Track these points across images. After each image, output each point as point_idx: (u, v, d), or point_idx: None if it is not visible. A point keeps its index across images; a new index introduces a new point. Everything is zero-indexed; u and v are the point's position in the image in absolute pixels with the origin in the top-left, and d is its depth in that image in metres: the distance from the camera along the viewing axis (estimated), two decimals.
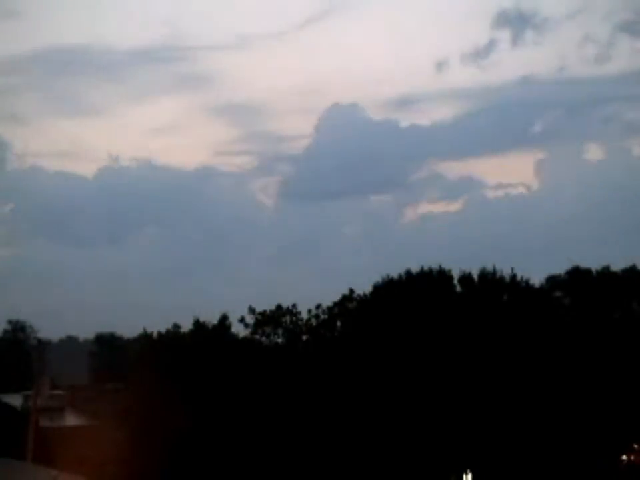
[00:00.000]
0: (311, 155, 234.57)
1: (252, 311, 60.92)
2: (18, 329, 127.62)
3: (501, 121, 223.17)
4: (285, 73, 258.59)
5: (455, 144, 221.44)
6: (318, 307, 61.67)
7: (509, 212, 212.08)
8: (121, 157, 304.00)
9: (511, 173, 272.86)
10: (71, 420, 76.56)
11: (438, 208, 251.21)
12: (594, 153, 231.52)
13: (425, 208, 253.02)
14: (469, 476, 59.22)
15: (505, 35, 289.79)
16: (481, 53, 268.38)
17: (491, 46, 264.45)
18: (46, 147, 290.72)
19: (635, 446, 66.81)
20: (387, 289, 67.57)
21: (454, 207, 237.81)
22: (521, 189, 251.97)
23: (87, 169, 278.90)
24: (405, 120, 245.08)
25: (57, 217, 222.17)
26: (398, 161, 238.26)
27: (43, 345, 61.47)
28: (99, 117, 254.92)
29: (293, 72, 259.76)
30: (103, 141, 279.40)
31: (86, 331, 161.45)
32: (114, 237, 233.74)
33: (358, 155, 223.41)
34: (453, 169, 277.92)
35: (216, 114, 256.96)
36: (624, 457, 66.05)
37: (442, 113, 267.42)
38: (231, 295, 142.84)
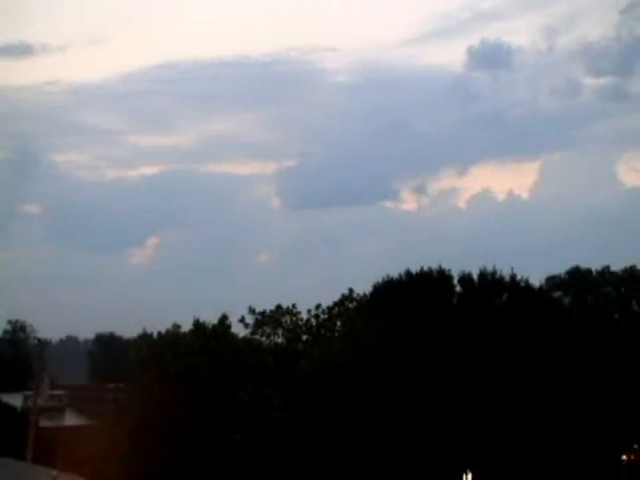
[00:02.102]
0: (315, 165, 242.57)
1: (252, 311, 60.80)
2: (18, 328, 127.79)
3: (497, 133, 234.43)
4: None
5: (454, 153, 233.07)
6: (318, 306, 61.57)
7: (509, 214, 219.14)
8: (166, 166, 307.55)
9: (509, 179, 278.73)
10: (71, 420, 76.75)
11: (437, 211, 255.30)
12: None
13: (425, 210, 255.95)
14: (469, 476, 59.23)
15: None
16: None
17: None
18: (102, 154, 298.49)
19: (635, 446, 66.85)
20: (386, 289, 67.57)
21: (453, 210, 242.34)
22: (518, 194, 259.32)
23: (131, 177, 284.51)
24: (405, 133, 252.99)
25: (74, 222, 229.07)
26: (396, 170, 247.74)
27: (43, 344, 61.24)
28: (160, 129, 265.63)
29: None
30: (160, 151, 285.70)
31: (86, 331, 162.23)
32: (124, 242, 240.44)
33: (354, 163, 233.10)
34: (451, 176, 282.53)
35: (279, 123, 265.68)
36: (624, 457, 66.13)
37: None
38: (231, 295, 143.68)
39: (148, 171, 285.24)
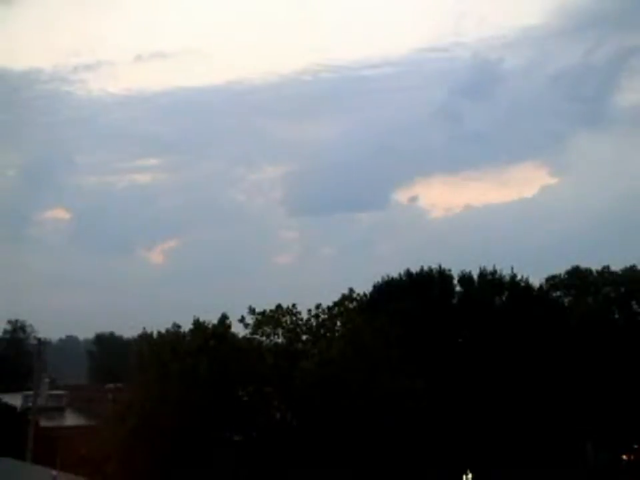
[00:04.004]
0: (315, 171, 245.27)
1: (252, 311, 60.74)
2: (18, 328, 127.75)
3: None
4: None
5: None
6: (318, 306, 61.54)
7: (510, 215, 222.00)
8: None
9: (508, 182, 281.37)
10: (70, 420, 76.71)
11: (438, 214, 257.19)
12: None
13: (426, 212, 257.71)
14: (469, 476, 59.23)
15: None
16: None
17: None
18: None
19: (635, 446, 66.92)
20: (387, 289, 67.57)
21: (454, 212, 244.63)
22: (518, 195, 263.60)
23: (147, 182, 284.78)
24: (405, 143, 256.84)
25: (77, 224, 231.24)
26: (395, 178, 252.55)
27: (42, 344, 61.29)
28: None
29: None
30: None
31: (86, 331, 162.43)
32: (125, 244, 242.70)
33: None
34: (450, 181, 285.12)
35: None
36: (624, 457, 66.18)
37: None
38: (231, 295, 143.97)
39: (167, 176, 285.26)
